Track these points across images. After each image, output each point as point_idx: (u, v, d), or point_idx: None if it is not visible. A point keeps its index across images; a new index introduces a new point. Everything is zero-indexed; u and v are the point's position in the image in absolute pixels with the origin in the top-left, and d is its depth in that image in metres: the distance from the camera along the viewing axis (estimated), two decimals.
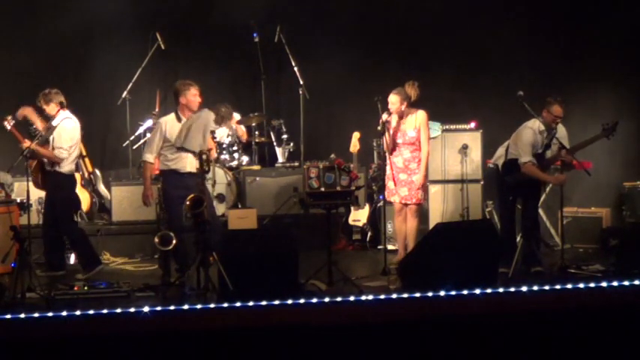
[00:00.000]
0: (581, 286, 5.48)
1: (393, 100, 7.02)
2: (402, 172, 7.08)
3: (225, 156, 8.83)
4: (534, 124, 6.76)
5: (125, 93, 9.01)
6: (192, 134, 6.59)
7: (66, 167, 7.15)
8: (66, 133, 7.08)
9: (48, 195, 7.28)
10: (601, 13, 8.89)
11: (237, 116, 9.20)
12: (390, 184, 7.11)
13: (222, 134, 8.86)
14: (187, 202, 6.03)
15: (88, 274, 7.00)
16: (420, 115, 7.04)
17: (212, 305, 5.26)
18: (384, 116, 6.97)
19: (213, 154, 7.20)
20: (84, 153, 8.35)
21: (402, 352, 4.76)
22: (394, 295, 5.43)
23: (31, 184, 6.92)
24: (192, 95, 6.67)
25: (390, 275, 6.53)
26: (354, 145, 7.60)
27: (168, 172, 6.67)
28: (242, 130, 9.20)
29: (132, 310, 5.05)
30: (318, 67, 9.24)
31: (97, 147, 7.49)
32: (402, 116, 7.06)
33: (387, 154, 7.08)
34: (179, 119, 6.67)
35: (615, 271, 6.46)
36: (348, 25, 9.54)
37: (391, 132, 7.08)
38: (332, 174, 6.41)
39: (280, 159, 9.23)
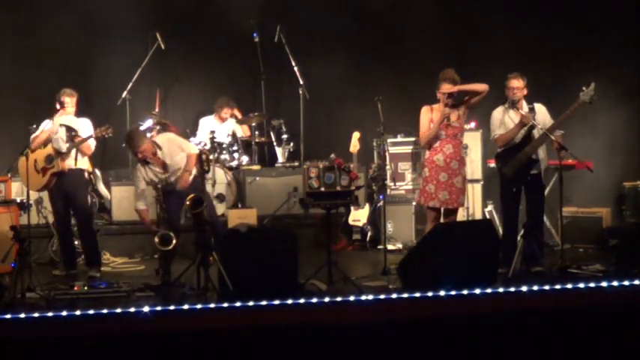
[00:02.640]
0: (581, 286, 5.49)
1: (452, 74, 6.69)
2: (443, 172, 6.62)
3: (225, 156, 8.81)
4: (501, 106, 6.89)
5: (125, 93, 9.00)
6: None
7: (86, 163, 7.23)
8: (89, 126, 7.19)
9: (66, 192, 7.09)
10: (601, 13, 8.88)
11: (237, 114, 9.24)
12: (429, 187, 6.64)
13: (222, 134, 8.87)
14: (187, 202, 6.04)
15: (100, 272, 7.10)
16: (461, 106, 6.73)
17: (212, 305, 5.27)
18: (444, 99, 6.65)
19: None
20: None
21: (402, 352, 4.76)
22: (394, 295, 5.43)
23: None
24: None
25: (390, 275, 6.53)
26: (354, 145, 7.60)
27: None
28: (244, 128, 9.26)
29: (132, 310, 5.06)
30: (318, 67, 9.23)
31: (97, 147, 7.43)
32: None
33: (424, 154, 6.81)
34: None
35: (615, 271, 6.45)
36: (348, 25, 9.52)
37: (435, 123, 6.62)
38: (332, 174, 6.40)
39: (280, 159, 9.22)
